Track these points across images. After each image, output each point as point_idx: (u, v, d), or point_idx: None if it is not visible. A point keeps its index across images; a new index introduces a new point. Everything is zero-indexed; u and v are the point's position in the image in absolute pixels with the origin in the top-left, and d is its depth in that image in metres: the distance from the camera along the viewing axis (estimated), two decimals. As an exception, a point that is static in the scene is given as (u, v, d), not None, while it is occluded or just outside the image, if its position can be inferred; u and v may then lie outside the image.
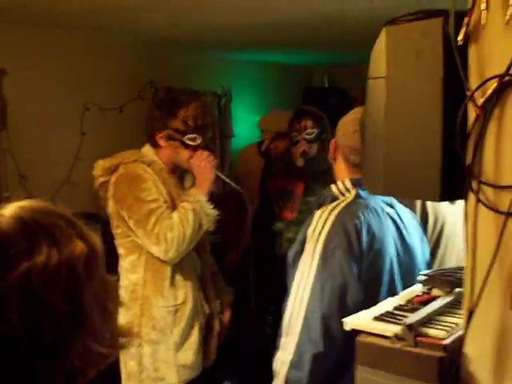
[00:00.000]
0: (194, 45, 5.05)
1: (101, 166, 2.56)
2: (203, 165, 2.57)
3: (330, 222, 1.86)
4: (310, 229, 1.89)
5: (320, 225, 1.87)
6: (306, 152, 3.58)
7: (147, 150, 2.65)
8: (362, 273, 1.83)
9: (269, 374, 2.00)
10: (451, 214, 2.25)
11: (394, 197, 1.96)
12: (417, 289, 1.80)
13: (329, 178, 3.64)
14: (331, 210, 1.90)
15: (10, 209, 0.90)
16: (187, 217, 2.44)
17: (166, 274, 2.54)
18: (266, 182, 3.97)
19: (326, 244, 1.83)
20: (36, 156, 4.40)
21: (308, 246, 1.87)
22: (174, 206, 2.52)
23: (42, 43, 4.37)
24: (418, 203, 2.24)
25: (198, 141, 2.59)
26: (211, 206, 2.54)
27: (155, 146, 2.63)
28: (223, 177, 2.78)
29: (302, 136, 3.59)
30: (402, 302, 1.68)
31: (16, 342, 0.81)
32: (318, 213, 1.92)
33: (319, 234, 1.85)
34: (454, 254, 2.27)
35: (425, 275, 1.80)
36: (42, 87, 4.42)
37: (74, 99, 4.58)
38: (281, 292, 3.67)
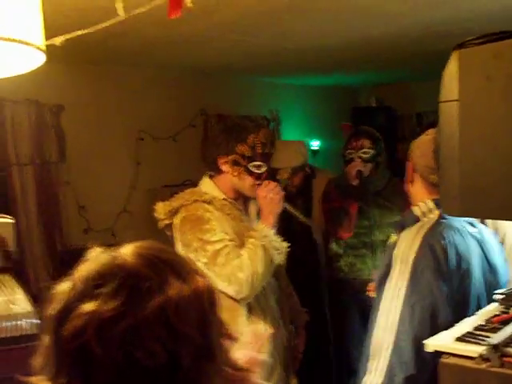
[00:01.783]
0: (242, 71, 5.15)
1: (162, 209, 2.46)
2: (270, 196, 2.42)
3: (416, 244, 1.84)
4: (396, 251, 1.88)
5: (407, 247, 1.86)
6: (361, 171, 3.56)
7: (206, 184, 2.54)
8: (452, 294, 1.81)
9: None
10: (510, 225, 2.21)
11: (471, 218, 1.95)
12: (494, 308, 1.78)
13: (381, 200, 3.64)
14: (417, 232, 1.89)
15: (128, 249, 0.91)
16: (257, 254, 2.31)
17: (240, 311, 2.40)
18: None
19: (415, 266, 1.81)
20: (94, 187, 4.53)
21: (395, 269, 1.86)
22: (241, 242, 2.39)
23: (95, 79, 4.54)
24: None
25: (263, 169, 2.47)
26: (280, 239, 2.38)
27: (216, 171, 2.51)
28: (291, 210, 2.62)
29: (357, 154, 3.56)
30: (482, 322, 1.67)
31: (158, 374, 0.82)
32: (402, 235, 1.91)
33: (406, 256, 1.84)
34: None
35: (501, 294, 1.79)
36: (97, 120, 4.57)
37: (129, 130, 4.72)
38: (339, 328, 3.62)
